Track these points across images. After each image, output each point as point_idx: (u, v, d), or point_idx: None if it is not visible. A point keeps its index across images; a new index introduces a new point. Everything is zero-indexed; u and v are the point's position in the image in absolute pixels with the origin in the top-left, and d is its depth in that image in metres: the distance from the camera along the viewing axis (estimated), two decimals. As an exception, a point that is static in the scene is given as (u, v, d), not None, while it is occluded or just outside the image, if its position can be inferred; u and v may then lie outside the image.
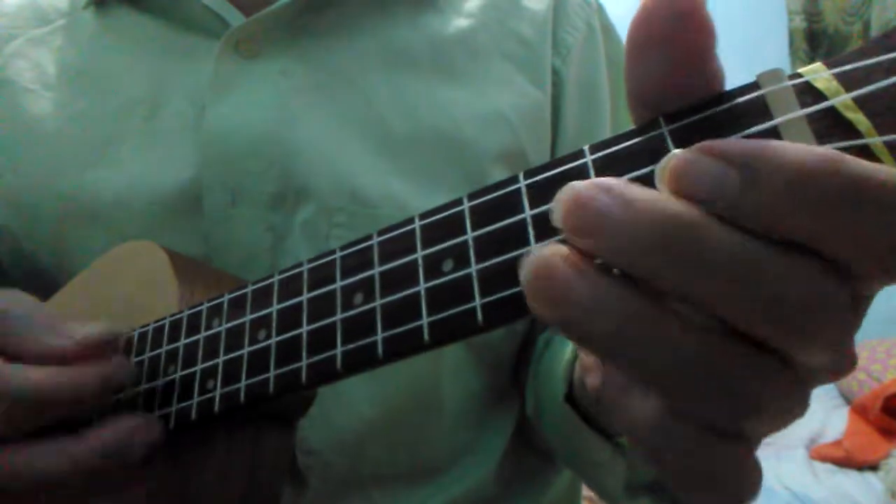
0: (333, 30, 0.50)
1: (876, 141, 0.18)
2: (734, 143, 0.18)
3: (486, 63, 0.51)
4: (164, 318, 0.34)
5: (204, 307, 0.33)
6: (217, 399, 0.30)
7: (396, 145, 0.47)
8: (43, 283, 0.47)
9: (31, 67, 0.51)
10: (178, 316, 0.34)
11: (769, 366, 0.19)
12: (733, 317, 0.18)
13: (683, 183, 0.18)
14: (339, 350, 0.26)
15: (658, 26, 0.19)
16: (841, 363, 0.19)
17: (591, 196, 0.18)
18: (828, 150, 0.17)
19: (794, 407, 0.20)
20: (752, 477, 0.20)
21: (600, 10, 0.58)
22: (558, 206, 0.19)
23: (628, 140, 0.21)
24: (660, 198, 0.18)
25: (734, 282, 0.18)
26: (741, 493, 0.20)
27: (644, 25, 0.20)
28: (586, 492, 0.63)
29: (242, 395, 0.29)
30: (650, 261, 0.18)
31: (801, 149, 0.17)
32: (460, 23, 0.52)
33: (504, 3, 0.54)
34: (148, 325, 0.35)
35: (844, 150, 0.17)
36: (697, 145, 0.18)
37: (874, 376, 1.81)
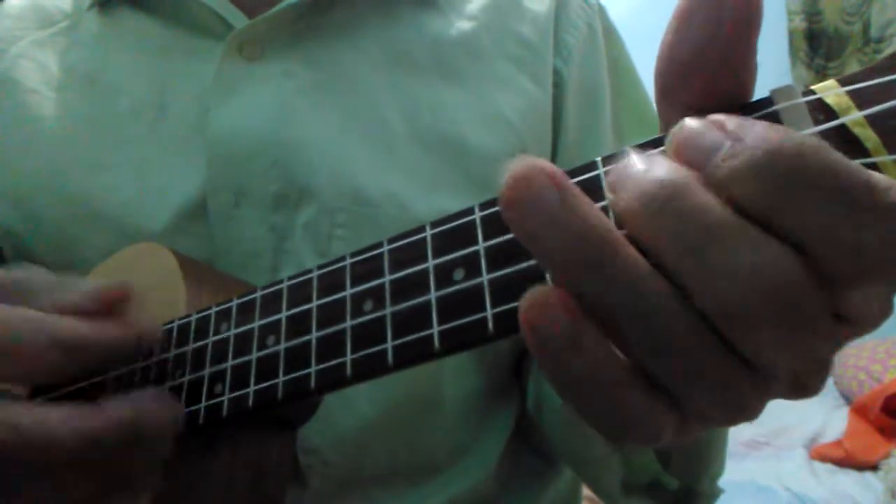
0: (336, 31, 0.50)
1: (885, 159, 0.18)
2: (735, 117, 0.19)
3: (487, 64, 0.51)
4: (173, 322, 0.35)
5: (213, 311, 0.33)
6: (225, 404, 0.30)
7: (398, 146, 0.47)
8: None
9: (37, 69, 0.51)
10: (186, 319, 0.34)
11: (729, 358, 0.19)
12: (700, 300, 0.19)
13: (684, 146, 0.19)
14: (348, 358, 0.26)
15: None
16: (807, 379, 0.19)
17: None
18: (812, 137, 0.18)
19: (744, 406, 0.20)
20: (654, 428, 0.20)
21: (602, 11, 0.58)
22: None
23: (642, 152, 0.21)
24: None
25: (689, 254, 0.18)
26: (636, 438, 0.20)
27: None
28: (586, 492, 0.63)
29: (251, 400, 0.29)
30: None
31: (786, 130, 0.18)
32: (462, 24, 0.52)
33: (506, 4, 0.54)
34: None
35: None
36: (709, 117, 0.19)
37: (874, 376, 1.81)
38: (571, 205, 0.19)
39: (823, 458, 1.63)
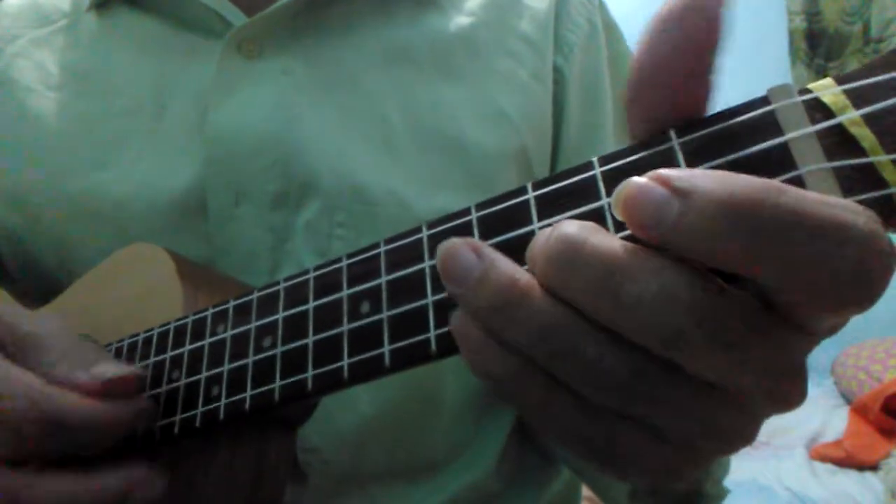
0: (335, 29, 0.50)
1: (882, 159, 0.18)
2: (683, 172, 0.18)
3: (487, 61, 0.51)
4: (169, 323, 0.34)
5: (209, 313, 0.33)
6: (222, 408, 0.30)
7: (398, 143, 0.47)
8: (47, 284, 0.47)
9: (35, 68, 0.51)
10: (183, 321, 0.34)
11: (685, 383, 0.20)
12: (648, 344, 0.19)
13: (632, 208, 0.19)
14: (345, 361, 0.26)
15: (678, 9, 0.20)
16: (785, 392, 0.19)
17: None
18: (766, 180, 0.18)
19: (731, 429, 0.20)
20: (658, 464, 0.21)
21: (602, 6, 0.58)
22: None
23: (638, 153, 0.21)
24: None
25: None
26: (644, 476, 0.21)
27: (666, 6, 0.20)
28: (586, 492, 0.63)
29: (248, 403, 0.29)
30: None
31: (742, 178, 0.18)
32: (462, 21, 0.52)
33: (506, 1, 0.54)
34: (152, 329, 0.35)
35: (853, 167, 0.18)
36: (650, 173, 0.19)
37: (874, 376, 1.81)
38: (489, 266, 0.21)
39: (823, 458, 1.63)
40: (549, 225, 0.22)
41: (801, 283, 0.17)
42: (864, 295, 0.17)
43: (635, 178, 0.19)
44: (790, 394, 0.20)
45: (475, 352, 0.22)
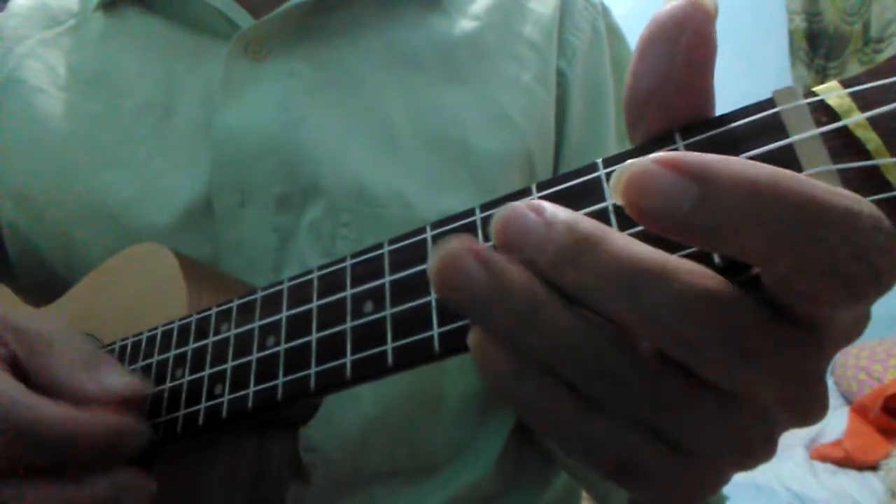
0: (340, 31, 0.50)
1: (887, 162, 0.18)
2: (691, 155, 0.17)
3: (491, 65, 0.51)
4: (173, 322, 0.35)
5: (213, 312, 0.33)
6: (225, 405, 0.30)
7: (403, 145, 0.47)
8: (52, 282, 0.48)
9: (43, 68, 0.51)
10: (186, 320, 0.34)
11: (701, 391, 0.19)
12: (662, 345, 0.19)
13: (639, 195, 0.17)
14: (348, 359, 0.26)
15: (669, 25, 0.20)
16: (803, 403, 0.19)
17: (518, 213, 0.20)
18: (784, 170, 0.17)
19: (749, 441, 0.20)
20: (692, 484, 0.21)
21: (605, 11, 0.59)
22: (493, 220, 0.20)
23: (643, 155, 0.21)
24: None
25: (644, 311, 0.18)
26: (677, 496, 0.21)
27: (656, 23, 0.20)
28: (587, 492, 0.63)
29: (251, 401, 0.29)
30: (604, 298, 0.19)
31: (757, 165, 0.17)
32: (466, 25, 0.52)
33: (510, 5, 0.54)
34: (156, 328, 0.35)
35: (858, 169, 0.18)
36: (653, 156, 0.17)
37: (874, 376, 1.81)
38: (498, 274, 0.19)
39: (823, 458, 1.63)
40: None
41: (817, 269, 0.17)
42: (885, 283, 0.17)
43: (640, 161, 0.17)
44: (810, 405, 0.20)
45: (496, 373, 0.20)
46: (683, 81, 0.20)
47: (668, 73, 0.20)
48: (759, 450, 0.20)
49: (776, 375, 0.18)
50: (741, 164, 0.17)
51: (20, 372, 0.30)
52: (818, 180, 0.18)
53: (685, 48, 0.20)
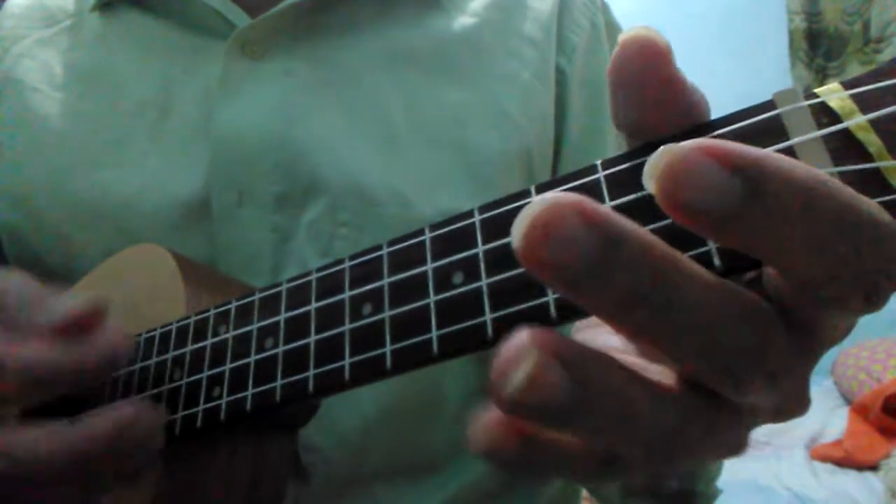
0: (338, 30, 0.50)
1: (889, 164, 0.18)
2: (741, 148, 0.15)
3: (490, 62, 0.51)
4: (171, 324, 0.34)
5: (211, 313, 0.33)
6: (223, 407, 0.30)
7: (402, 144, 0.47)
8: (50, 284, 0.47)
9: (39, 68, 0.51)
10: (185, 321, 0.34)
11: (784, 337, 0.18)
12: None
13: (676, 186, 0.15)
14: (346, 361, 0.26)
15: (628, 71, 0.20)
16: (790, 404, 0.19)
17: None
18: (821, 172, 0.16)
19: (741, 440, 0.20)
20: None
21: (605, 7, 0.59)
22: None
23: (642, 157, 0.21)
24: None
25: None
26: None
27: (617, 68, 0.20)
28: (586, 492, 0.63)
29: (249, 403, 0.29)
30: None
31: (801, 164, 0.16)
32: (465, 22, 0.52)
33: (509, 2, 0.54)
34: (154, 329, 0.35)
35: (859, 172, 0.17)
36: (698, 142, 0.15)
37: (874, 376, 1.81)
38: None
39: (823, 458, 1.63)
40: None
41: (850, 277, 0.16)
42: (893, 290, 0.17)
43: (681, 147, 0.15)
44: (795, 406, 0.20)
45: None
46: (661, 116, 0.20)
47: (642, 117, 0.20)
48: (736, 449, 0.20)
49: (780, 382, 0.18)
50: (791, 163, 0.16)
51: None
52: None
53: (651, 97, 0.20)
